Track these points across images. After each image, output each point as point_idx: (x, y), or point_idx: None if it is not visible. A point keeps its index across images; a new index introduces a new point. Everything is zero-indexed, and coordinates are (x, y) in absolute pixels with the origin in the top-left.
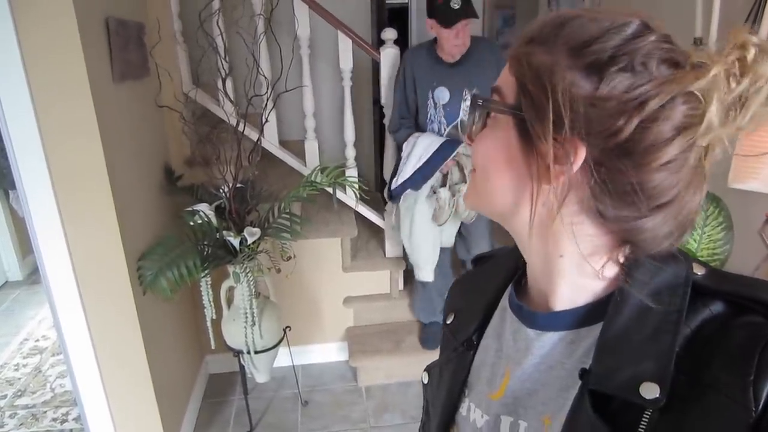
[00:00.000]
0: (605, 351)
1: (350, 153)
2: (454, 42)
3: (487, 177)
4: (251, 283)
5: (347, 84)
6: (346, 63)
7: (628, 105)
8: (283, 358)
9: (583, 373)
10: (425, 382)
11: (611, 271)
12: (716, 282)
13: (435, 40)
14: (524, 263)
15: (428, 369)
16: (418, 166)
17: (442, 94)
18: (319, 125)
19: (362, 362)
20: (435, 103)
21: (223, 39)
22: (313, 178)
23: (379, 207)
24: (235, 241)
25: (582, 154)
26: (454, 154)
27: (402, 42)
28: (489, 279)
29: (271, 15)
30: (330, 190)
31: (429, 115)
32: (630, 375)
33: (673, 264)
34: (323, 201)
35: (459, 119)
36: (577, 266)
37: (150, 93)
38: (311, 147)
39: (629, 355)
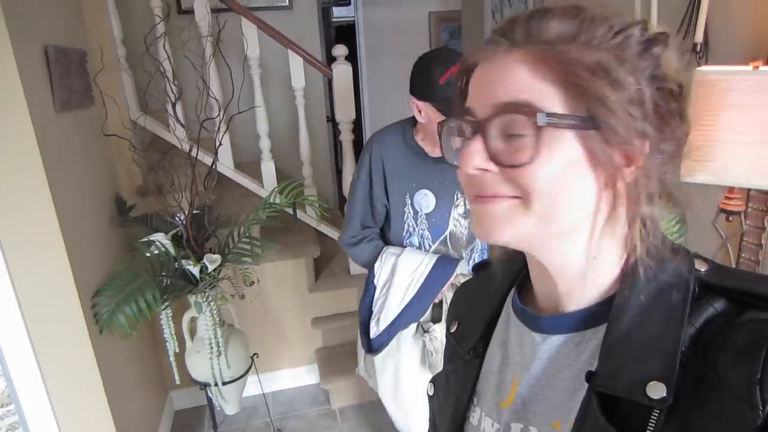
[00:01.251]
0: (611, 352)
1: (307, 171)
2: None
3: (553, 200)
4: (214, 312)
5: (300, 102)
6: (298, 81)
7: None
8: (252, 386)
9: (590, 376)
10: (431, 393)
11: (616, 270)
12: (719, 278)
13: (412, 123)
14: (526, 268)
15: (433, 380)
16: (407, 301)
17: (425, 200)
18: (273, 145)
19: (334, 384)
20: (415, 212)
21: (170, 63)
22: (272, 200)
23: (340, 224)
24: (195, 270)
25: (647, 145)
26: (454, 275)
27: (351, 59)
28: (491, 285)
29: (219, 36)
30: (290, 210)
31: (406, 227)
32: (636, 375)
33: (675, 260)
34: (283, 222)
35: (448, 231)
36: (602, 265)
37: (96, 122)
38: (268, 168)
39: (635, 355)
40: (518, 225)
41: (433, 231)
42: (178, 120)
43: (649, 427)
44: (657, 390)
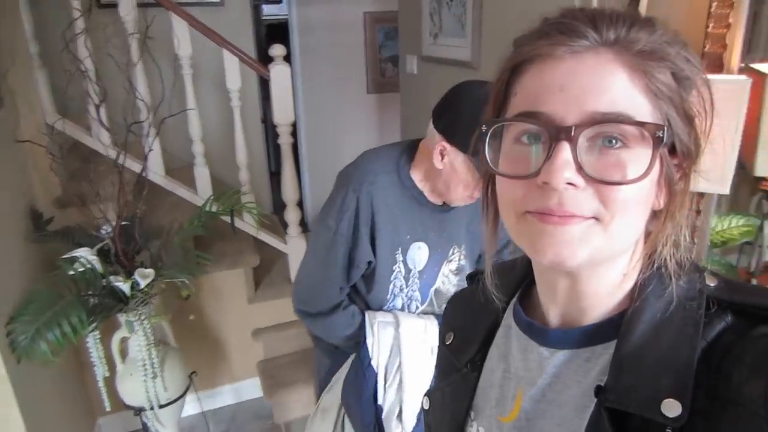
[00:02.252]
0: (622, 367)
1: (244, 177)
2: (472, 191)
3: (632, 219)
4: (148, 330)
5: (236, 104)
6: (234, 82)
7: None
8: (190, 405)
9: (599, 391)
10: (426, 407)
11: (631, 283)
12: (729, 293)
13: (407, 156)
14: (527, 279)
15: (428, 394)
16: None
17: (419, 255)
18: (207, 150)
19: (278, 397)
20: (407, 270)
21: (92, 61)
22: (208, 208)
23: (278, 231)
24: (126, 287)
25: (692, 160)
26: None
27: (285, 59)
28: (487, 296)
29: (146, 34)
30: (228, 219)
31: (391, 288)
32: (649, 392)
33: (686, 275)
34: (218, 231)
35: (434, 288)
36: (629, 281)
37: (6, 127)
38: (202, 174)
39: (647, 371)
40: (594, 246)
41: (423, 291)
42: (102, 124)
43: None
44: (672, 408)
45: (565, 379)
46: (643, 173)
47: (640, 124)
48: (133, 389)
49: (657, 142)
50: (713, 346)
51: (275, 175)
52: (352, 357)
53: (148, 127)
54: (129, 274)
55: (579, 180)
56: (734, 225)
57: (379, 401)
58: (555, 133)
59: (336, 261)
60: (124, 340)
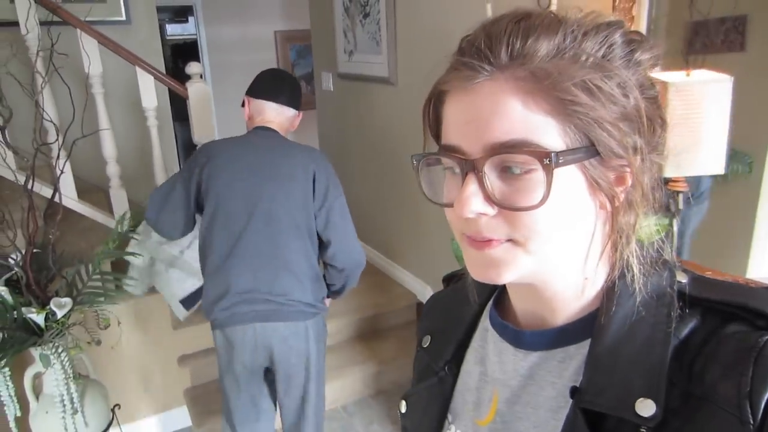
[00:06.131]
0: (595, 367)
1: None
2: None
3: (553, 239)
4: (66, 363)
5: (153, 124)
6: (150, 101)
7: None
8: None
9: (574, 392)
10: (403, 411)
11: (599, 283)
12: (700, 289)
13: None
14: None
15: (405, 397)
16: None
17: None
18: (122, 171)
19: (209, 425)
20: None
21: None
22: (121, 229)
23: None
24: (39, 318)
25: (638, 159)
26: None
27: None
28: (464, 299)
29: (52, 52)
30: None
31: None
32: (623, 392)
33: (657, 272)
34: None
35: None
36: (594, 284)
37: None
38: (119, 196)
39: (620, 370)
40: (519, 266)
41: None
42: (9, 146)
43: None
44: (646, 407)
45: (540, 380)
46: (540, 200)
47: (528, 153)
48: (49, 428)
49: (546, 169)
50: (685, 344)
51: None
52: None
53: (59, 149)
54: (43, 305)
55: (489, 209)
56: (652, 224)
57: None
58: (463, 166)
59: None
60: (38, 376)
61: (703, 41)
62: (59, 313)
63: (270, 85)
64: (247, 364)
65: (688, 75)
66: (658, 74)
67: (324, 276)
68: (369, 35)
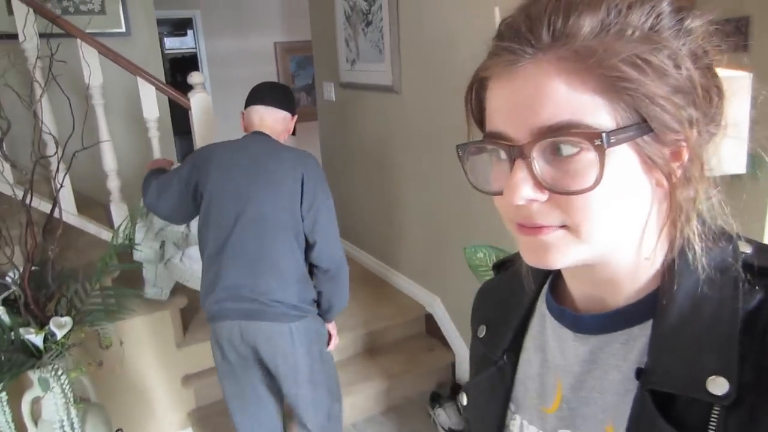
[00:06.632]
0: (661, 347)
1: None
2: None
3: (608, 223)
4: (66, 387)
5: (154, 135)
6: (151, 112)
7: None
8: None
9: (640, 373)
10: (464, 403)
11: (659, 262)
12: (766, 258)
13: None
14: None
15: (465, 389)
16: None
17: None
18: (123, 184)
19: None
20: None
21: None
22: (118, 242)
23: None
24: (38, 339)
25: (695, 132)
26: None
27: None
28: (518, 286)
29: (51, 63)
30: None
31: None
32: (693, 371)
33: (718, 243)
34: (138, 272)
35: None
36: (653, 263)
37: None
38: (120, 210)
39: (688, 349)
40: (572, 253)
41: None
42: (7, 159)
43: (711, 426)
44: (719, 385)
45: (603, 364)
46: (593, 183)
47: (577, 135)
48: None
49: (598, 149)
50: (755, 316)
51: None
52: None
53: (58, 162)
54: (42, 325)
55: (539, 195)
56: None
57: None
58: (511, 153)
59: None
60: (36, 400)
61: None
62: (59, 334)
63: (260, 91)
64: (240, 354)
65: None
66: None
67: (315, 285)
68: (371, 43)
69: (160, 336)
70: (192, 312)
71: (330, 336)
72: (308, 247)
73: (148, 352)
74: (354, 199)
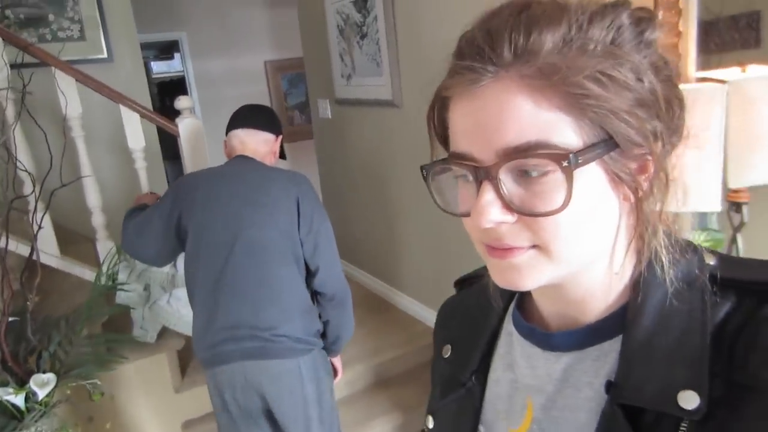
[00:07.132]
0: (631, 361)
1: None
2: None
3: (578, 241)
4: None
5: (141, 166)
6: (136, 141)
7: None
8: None
9: (609, 386)
10: (430, 426)
11: (627, 276)
12: (730, 270)
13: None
14: None
15: (432, 412)
16: None
17: None
18: (109, 220)
19: None
20: None
21: None
22: (102, 282)
23: None
24: (19, 400)
25: (659, 145)
26: None
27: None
28: (483, 303)
29: (23, 94)
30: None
31: None
32: (664, 385)
33: (685, 255)
34: (128, 314)
35: None
36: (622, 278)
37: None
38: (105, 248)
39: (659, 363)
40: (544, 274)
41: None
42: None
43: None
44: (690, 399)
45: (576, 382)
46: (562, 204)
47: (544, 156)
48: None
49: (566, 171)
50: (722, 330)
51: None
52: None
53: (35, 202)
54: (22, 383)
55: (508, 216)
56: (702, 240)
57: None
58: (477, 174)
59: None
60: None
61: (715, 41)
62: (41, 394)
63: (239, 115)
64: (241, 405)
65: (743, 71)
66: (712, 72)
67: (320, 315)
68: (368, 57)
69: (156, 381)
70: (189, 353)
71: (335, 370)
72: (309, 274)
73: (144, 400)
74: (354, 217)
